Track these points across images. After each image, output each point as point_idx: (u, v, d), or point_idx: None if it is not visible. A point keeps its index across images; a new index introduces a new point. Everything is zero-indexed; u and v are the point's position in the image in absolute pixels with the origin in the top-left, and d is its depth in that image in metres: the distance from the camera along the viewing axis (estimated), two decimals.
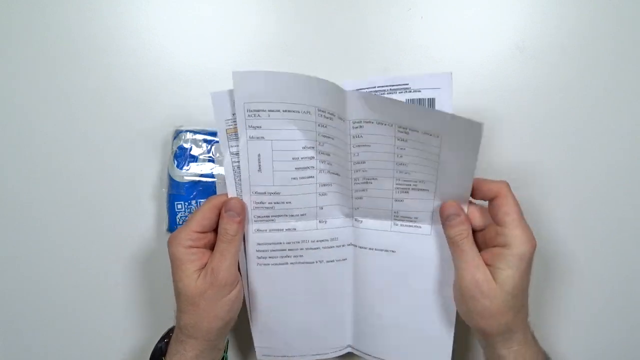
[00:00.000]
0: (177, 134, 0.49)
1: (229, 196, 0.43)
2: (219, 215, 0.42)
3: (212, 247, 0.43)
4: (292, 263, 0.45)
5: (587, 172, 0.51)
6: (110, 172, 0.52)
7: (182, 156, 0.49)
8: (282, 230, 0.44)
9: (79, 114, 0.51)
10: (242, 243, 0.44)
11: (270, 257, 0.44)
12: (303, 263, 0.45)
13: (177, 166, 0.49)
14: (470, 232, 0.40)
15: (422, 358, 0.46)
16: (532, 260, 0.39)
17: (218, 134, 0.41)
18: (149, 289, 0.54)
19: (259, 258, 0.44)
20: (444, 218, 0.41)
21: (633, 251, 0.51)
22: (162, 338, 0.47)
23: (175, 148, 0.49)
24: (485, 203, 0.42)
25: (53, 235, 0.53)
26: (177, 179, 0.49)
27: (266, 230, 0.44)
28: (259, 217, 0.43)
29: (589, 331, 0.53)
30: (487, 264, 0.39)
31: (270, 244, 0.44)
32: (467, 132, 0.35)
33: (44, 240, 0.53)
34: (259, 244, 0.44)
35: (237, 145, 0.41)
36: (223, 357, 0.46)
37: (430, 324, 0.45)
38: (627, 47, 0.49)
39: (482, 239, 0.42)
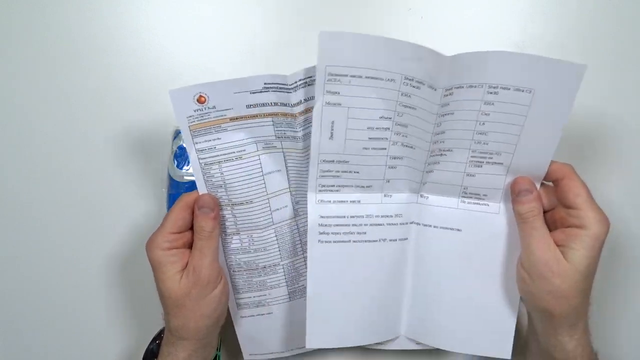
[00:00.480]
0: (177, 134, 0.49)
1: (200, 193, 0.42)
2: (192, 214, 0.42)
3: (191, 246, 0.43)
4: (354, 241, 0.43)
5: (587, 173, 0.51)
6: (110, 172, 0.52)
7: (182, 156, 0.49)
8: (346, 202, 0.42)
9: (79, 114, 0.51)
10: (220, 239, 0.44)
11: (333, 234, 0.42)
12: (366, 242, 0.43)
13: (177, 166, 0.49)
14: (542, 210, 0.40)
15: (482, 345, 0.44)
16: (604, 242, 0.38)
17: (181, 131, 0.40)
18: (149, 289, 0.53)
19: (320, 234, 0.42)
20: (515, 193, 0.40)
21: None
22: (154, 339, 0.47)
23: (175, 148, 0.49)
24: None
25: (53, 235, 0.53)
26: (177, 179, 0.49)
27: (330, 201, 0.42)
28: (324, 186, 0.41)
29: None
30: (557, 245, 0.39)
31: (333, 217, 0.42)
32: (566, 78, 0.36)
33: (44, 240, 0.53)
34: (322, 216, 0.42)
35: (203, 142, 0.41)
36: (216, 356, 0.46)
37: (492, 310, 0.43)
38: (627, 47, 0.49)
39: (550, 220, 0.41)
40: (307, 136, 0.41)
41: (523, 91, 0.37)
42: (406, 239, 0.44)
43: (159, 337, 0.46)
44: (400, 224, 0.44)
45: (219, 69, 0.51)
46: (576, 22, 0.49)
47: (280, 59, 0.50)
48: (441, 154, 0.41)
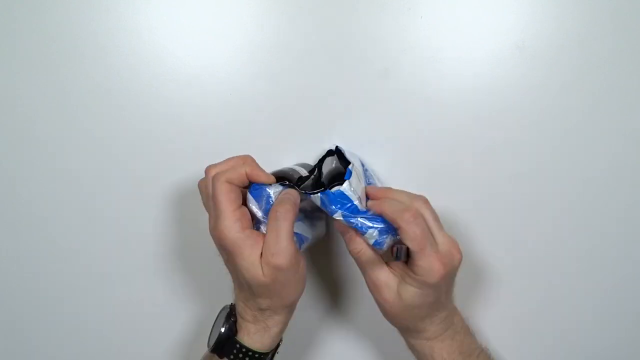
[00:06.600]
0: None
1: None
2: (237, 186, 0.41)
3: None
4: None
5: (587, 171, 0.51)
6: (109, 172, 0.52)
7: None
8: None
9: (79, 114, 0.51)
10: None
11: None
12: None
13: None
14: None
15: None
16: (439, 284, 0.40)
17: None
18: (149, 289, 0.54)
19: None
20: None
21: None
22: (227, 318, 0.44)
23: None
24: None
25: (52, 235, 0.53)
26: None
27: None
28: None
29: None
30: (395, 272, 0.42)
31: None
32: None
33: (44, 240, 0.53)
34: None
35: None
36: None
37: None
38: (626, 47, 0.49)
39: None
40: None
41: None
42: None
43: (231, 314, 0.44)
44: None
45: (219, 68, 0.51)
46: (576, 22, 0.49)
47: (280, 59, 0.50)
48: None
